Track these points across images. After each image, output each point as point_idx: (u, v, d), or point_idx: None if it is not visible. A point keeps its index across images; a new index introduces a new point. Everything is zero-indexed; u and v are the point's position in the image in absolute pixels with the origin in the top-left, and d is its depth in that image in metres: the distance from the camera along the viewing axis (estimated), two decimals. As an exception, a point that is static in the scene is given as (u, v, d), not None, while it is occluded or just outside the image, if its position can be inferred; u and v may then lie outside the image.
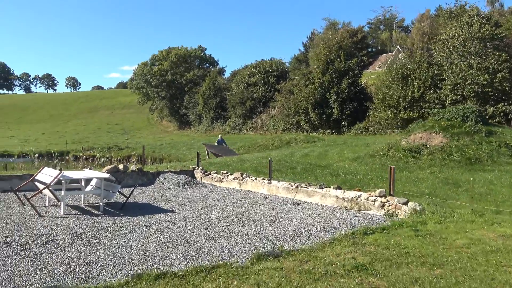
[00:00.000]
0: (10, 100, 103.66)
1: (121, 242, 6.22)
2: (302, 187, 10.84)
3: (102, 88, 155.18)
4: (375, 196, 9.12)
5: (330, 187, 10.27)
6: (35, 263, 5.20)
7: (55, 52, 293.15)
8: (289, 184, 11.32)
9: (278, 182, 11.73)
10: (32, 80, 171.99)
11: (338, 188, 10.13)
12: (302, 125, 37.02)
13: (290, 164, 17.42)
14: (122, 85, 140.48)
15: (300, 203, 10.08)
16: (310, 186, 10.78)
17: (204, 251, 5.85)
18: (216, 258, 5.55)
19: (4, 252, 5.62)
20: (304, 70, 41.69)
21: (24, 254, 5.55)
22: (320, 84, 34.65)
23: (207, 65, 64.93)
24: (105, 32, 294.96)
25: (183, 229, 7.14)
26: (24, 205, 9.08)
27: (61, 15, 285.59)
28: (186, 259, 5.50)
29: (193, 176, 14.47)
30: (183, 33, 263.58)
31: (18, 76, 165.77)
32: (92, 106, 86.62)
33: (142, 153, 18.55)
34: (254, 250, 5.96)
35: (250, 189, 12.36)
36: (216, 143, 27.69)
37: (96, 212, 8.62)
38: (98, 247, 5.94)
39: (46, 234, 6.53)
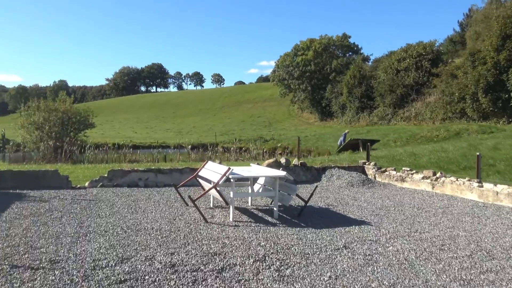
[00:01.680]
0: (166, 97, 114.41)
1: (325, 279, 4.17)
2: (541, 194, 7.61)
3: (243, 83, 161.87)
4: None
5: None
6: (215, 313, 3.44)
7: (202, 51, 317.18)
8: (515, 189, 8.16)
9: (495, 185, 8.62)
10: (183, 78, 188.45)
11: None
12: (468, 114, 31.66)
13: (482, 160, 13.83)
14: (261, 79, 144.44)
15: (546, 219, 6.95)
16: (556, 194, 7.49)
17: (475, 314, 3.45)
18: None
19: (172, 283, 3.99)
20: (472, 48, 35.64)
21: (198, 290, 3.86)
22: (493, 64, 29.05)
23: (350, 53, 61.27)
24: (244, 29, 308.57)
25: (404, 258, 4.82)
26: (187, 205, 7.83)
27: (201, 17, 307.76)
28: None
29: (364, 173, 12.08)
30: (323, 21, 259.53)
31: (172, 75, 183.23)
32: (235, 100, 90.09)
33: (297, 146, 16.80)
34: None
35: (449, 193, 9.47)
36: (339, 140, 26.47)
37: (270, 219, 6.85)
38: (295, 286, 3.99)
39: (219, 254, 4.85)
